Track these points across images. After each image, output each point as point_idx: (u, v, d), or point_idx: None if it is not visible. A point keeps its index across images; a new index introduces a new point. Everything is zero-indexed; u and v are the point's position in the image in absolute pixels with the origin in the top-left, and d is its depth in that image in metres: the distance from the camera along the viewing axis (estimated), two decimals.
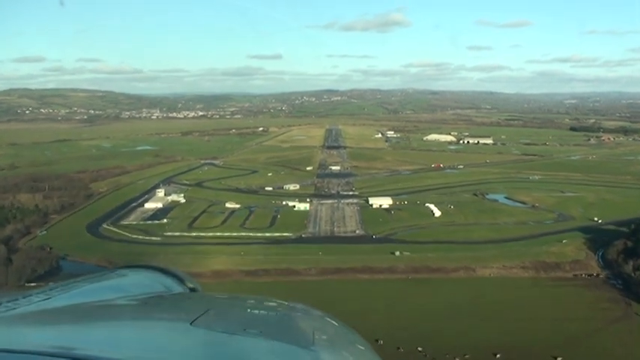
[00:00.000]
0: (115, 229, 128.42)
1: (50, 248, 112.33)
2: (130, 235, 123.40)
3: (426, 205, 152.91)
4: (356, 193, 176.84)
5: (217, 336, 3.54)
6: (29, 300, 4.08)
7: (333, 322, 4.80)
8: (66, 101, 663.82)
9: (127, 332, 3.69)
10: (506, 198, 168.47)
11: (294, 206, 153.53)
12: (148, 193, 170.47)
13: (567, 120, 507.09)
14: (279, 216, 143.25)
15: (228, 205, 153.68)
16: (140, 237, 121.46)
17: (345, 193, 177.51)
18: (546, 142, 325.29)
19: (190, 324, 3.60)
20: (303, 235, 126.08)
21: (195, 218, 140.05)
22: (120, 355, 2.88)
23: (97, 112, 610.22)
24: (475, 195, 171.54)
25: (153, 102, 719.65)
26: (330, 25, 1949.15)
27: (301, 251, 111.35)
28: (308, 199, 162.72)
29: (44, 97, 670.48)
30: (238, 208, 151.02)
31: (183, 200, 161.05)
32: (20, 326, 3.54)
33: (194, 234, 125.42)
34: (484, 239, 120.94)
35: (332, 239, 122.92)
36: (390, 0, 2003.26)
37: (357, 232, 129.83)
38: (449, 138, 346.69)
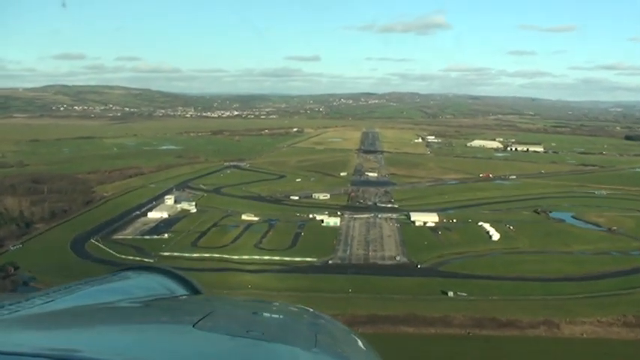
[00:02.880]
0: (103, 246, 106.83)
1: (15, 268, 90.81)
2: (118, 254, 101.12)
3: (480, 224, 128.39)
4: (395, 205, 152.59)
5: (220, 338, 3.49)
6: (32, 302, 3.94)
7: (337, 325, 4.62)
8: (101, 98, 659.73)
9: (130, 335, 3.69)
10: (573, 218, 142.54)
11: (322, 221, 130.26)
12: (157, 199, 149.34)
13: (619, 128, 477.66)
14: (303, 233, 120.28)
15: (244, 217, 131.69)
16: (130, 257, 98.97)
17: (383, 205, 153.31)
18: (602, 152, 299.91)
19: (193, 326, 3.55)
20: (330, 262, 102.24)
21: (204, 233, 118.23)
22: (123, 358, 2.92)
23: (131, 109, 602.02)
24: (536, 212, 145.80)
25: (189, 101, 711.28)
26: (368, 26, 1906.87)
27: (326, 286, 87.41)
28: (339, 213, 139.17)
29: (80, 93, 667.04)
30: (256, 222, 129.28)
31: (194, 209, 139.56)
32: (23, 329, 3.49)
33: (196, 255, 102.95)
34: (560, 275, 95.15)
35: (366, 268, 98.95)
36: (430, 2, 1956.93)
37: (398, 258, 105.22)
38: (495, 144, 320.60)
